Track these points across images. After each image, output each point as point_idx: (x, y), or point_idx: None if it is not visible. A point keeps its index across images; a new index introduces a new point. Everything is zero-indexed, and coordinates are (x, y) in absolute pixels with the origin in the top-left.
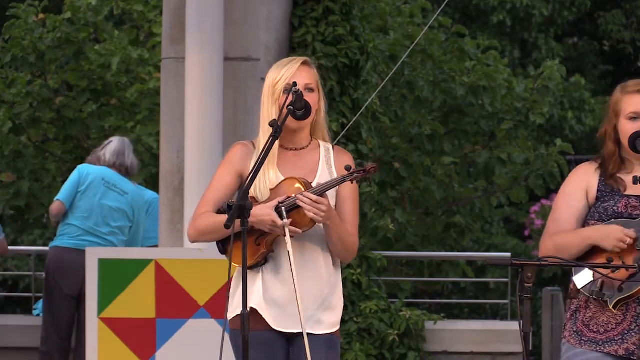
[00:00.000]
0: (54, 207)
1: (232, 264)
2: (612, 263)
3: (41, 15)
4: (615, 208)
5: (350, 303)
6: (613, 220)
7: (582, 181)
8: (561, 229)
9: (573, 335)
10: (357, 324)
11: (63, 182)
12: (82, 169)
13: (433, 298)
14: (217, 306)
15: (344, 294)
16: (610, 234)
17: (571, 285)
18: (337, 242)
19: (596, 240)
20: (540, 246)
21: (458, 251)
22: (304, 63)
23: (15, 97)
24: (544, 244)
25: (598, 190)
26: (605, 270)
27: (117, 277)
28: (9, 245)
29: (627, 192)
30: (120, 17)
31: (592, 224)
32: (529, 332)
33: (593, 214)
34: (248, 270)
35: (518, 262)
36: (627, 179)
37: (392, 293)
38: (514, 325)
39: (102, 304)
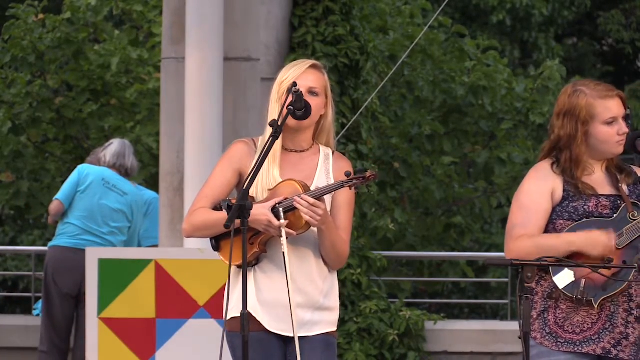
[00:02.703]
0: (53, 206)
1: (223, 260)
2: (612, 263)
3: (41, 16)
4: (586, 207)
5: (350, 303)
6: (585, 220)
7: (547, 181)
8: (529, 231)
9: (547, 338)
10: (357, 324)
11: (63, 182)
12: (82, 169)
13: (433, 298)
14: (217, 306)
15: (344, 294)
16: (596, 242)
17: (527, 282)
18: (329, 248)
19: (580, 247)
20: (511, 248)
21: (458, 251)
22: (313, 66)
23: (15, 97)
24: (519, 245)
25: (564, 190)
26: (587, 270)
27: (117, 277)
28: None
29: (596, 192)
30: (120, 17)
31: (561, 224)
32: (529, 332)
33: (561, 214)
34: (239, 270)
35: (518, 262)
36: (590, 180)
37: (392, 293)
38: (514, 325)
39: (102, 304)
